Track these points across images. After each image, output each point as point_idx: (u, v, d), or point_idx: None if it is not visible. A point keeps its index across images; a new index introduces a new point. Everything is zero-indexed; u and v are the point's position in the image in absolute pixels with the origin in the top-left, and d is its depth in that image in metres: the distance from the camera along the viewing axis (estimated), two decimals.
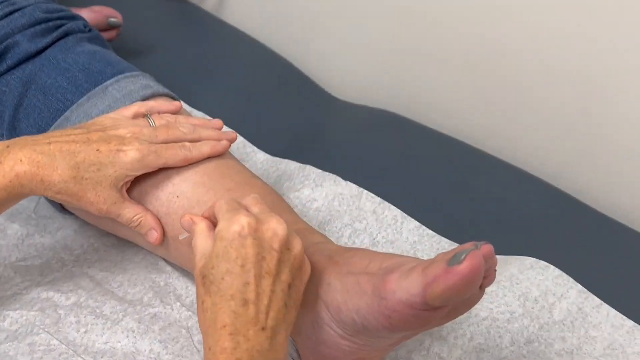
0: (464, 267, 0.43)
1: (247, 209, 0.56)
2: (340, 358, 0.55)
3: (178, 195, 0.65)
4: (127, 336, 0.64)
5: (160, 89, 0.73)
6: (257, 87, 1.01)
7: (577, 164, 0.84)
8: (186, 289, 0.69)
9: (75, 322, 0.66)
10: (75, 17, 0.77)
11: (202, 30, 1.13)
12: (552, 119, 0.84)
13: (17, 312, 0.67)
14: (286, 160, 0.84)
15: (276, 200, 0.66)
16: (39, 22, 0.74)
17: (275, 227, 0.52)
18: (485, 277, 0.47)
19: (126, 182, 0.63)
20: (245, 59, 1.06)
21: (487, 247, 0.45)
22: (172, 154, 0.63)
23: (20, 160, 0.58)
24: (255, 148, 0.87)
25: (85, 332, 0.65)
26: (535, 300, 0.65)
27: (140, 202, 0.65)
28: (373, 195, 0.77)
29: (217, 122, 0.70)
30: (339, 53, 1.07)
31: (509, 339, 0.63)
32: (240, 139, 0.88)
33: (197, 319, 0.65)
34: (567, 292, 0.66)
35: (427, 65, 0.96)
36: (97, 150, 0.60)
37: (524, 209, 0.78)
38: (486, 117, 0.92)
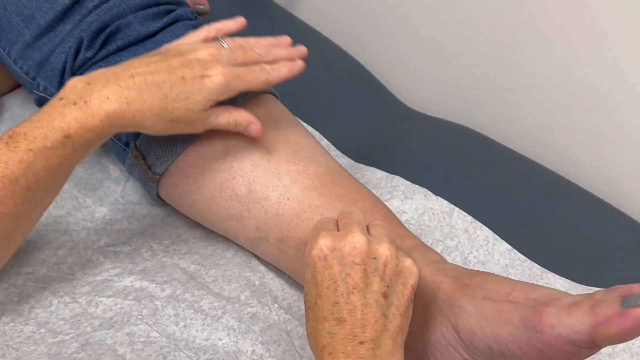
0: None
1: (335, 225, 0.56)
2: None
3: (289, 197, 0.64)
4: (229, 334, 0.63)
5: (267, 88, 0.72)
6: (330, 89, 1.00)
7: None
8: (282, 291, 0.68)
9: (174, 315, 0.65)
10: (182, 3, 0.76)
11: (273, 25, 1.11)
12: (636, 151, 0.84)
13: (111, 299, 0.66)
14: (372, 168, 0.84)
15: (387, 212, 0.66)
16: (151, 5, 0.73)
17: (353, 240, 0.52)
18: None
19: (212, 105, 0.61)
20: (317, 59, 1.04)
21: None
22: (254, 77, 0.62)
23: (108, 98, 0.56)
24: (338, 152, 0.87)
25: (184, 326, 0.64)
26: None
27: (249, 200, 0.65)
28: (465, 213, 0.77)
29: (286, 38, 0.68)
30: (414, 62, 1.06)
31: None
32: (324, 141, 0.87)
33: (295, 323, 0.65)
34: None
35: (509, 84, 0.96)
36: (182, 77, 0.59)
37: (611, 242, 0.78)
38: (564, 143, 0.92)
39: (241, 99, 0.68)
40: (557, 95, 0.89)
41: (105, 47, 0.70)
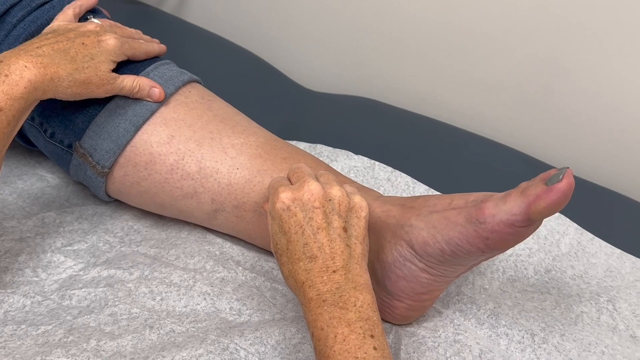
0: (563, 184, 0.53)
1: (289, 180, 0.63)
2: (417, 290, 0.64)
3: (238, 167, 0.71)
4: (205, 299, 0.69)
5: (193, 75, 0.78)
6: (231, 84, 1.06)
7: (541, 133, 0.98)
8: (243, 256, 0.74)
9: (149, 292, 0.69)
10: (97, 11, 0.80)
11: (165, 31, 1.16)
12: (517, 96, 0.98)
13: (83, 290, 0.69)
14: (293, 141, 0.91)
15: (327, 166, 0.74)
16: None
17: (310, 188, 0.59)
18: None
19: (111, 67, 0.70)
20: (215, 57, 1.12)
21: (571, 170, 0.55)
22: (138, 46, 0.73)
23: (26, 67, 0.62)
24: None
25: (161, 299, 0.68)
26: (545, 237, 0.77)
27: (201, 176, 0.70)
28: (385, 165, 0.86)
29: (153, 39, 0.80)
30: (305, 47, 1.15)
31: (532, 270, 0.75)
32: None
33: (262, 279, 0.72)
34: (567, 229, 0.79)
35: (396, 51, 1.06)
36: (83, 44, 0.67)
37: (507, 173, 0.90)
38: (453, 96, 1.04)
39: (173, 86, 0.74)
40: (435, 55, 1.02)
41: None
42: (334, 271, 0.57)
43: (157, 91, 0.72)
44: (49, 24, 0.74)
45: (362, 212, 0.61)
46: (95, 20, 0.73)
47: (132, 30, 0.78)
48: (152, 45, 0.76)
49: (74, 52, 0.66)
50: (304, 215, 0.58)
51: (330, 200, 0.60)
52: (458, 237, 0.59)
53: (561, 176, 0.53)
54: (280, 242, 0.59)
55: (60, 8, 0.76)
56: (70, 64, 0.65)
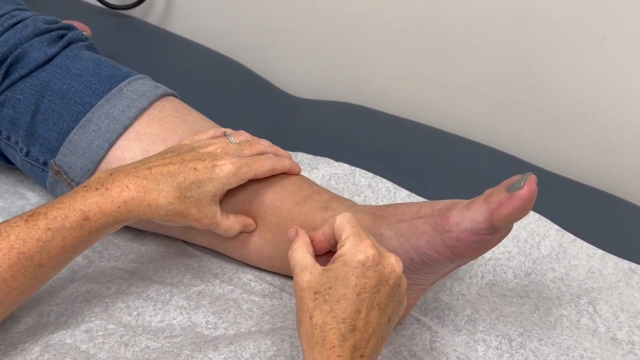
0: (524, 191, 0.53)
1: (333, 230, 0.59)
2: None
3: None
4: (181, 313, 0.69)
5: (168, 89, 0.78)
6: (217, 93, 1.06)
7: (522, 132, 0.98)
8: (221, 268, 0.74)
9: (125, 307, 0.69)
10: (71, 27, 0.81)
11: (150, 43, 1.17)
12: (498, 96, 0.97)
13: (61, 306, 0.70)
14: None
15: (302, 176, 0.74)
16: (43, 32, 0.77)
17: (394, 264, 0.55)
18: None
19: (221, 196, 0.66)
20: (201, 67, 1.12)
21: (534, 176, 0.55)
22: (261, 165, 0.68)
23: (127, 187, 0.61)
24: None
25: (137, 314, 0.69)
26: (525, 240, 0.77)
27: None
28: (365, 171, 0.86)
29: (286, 152, 0.74)
30: (287, 51, 1.15)
31: (512, 274, 0.74)
32: None
33: (239, 291, 0.71)
34: (548, 231, 0.78)
35: (377, 55, 1.06)
36: (195, 168, 0.64)
37: (488, 174, 0.90)
38: (434, 98, 1.04)
39: (147, 100, 0.74)
40: (415, 58, 1.01)
41: (9, 77, 0.74)
42: (362, 356, 0.52)
43: (252, 226, 0.69)
44: (21, 43, 0.75)
45: (402, 312, 0.58)
46: (231, 139, 0.69)
47: (265, 142, 0.72)
48: (282, 161, 0.70)
49: (181, 179, 0.63)
50: (375, 285, 0.54)
51: (399, 286, 0.56)
52: (426, 246, 0.59)
53: (522, 183, 0.53)
54: (335, 289, 0.53)
55: (33, 26, 0.76)
56: (173, 190, 0.63)
